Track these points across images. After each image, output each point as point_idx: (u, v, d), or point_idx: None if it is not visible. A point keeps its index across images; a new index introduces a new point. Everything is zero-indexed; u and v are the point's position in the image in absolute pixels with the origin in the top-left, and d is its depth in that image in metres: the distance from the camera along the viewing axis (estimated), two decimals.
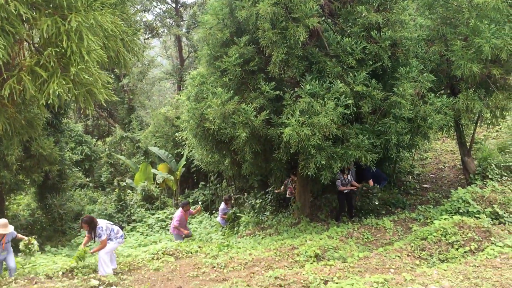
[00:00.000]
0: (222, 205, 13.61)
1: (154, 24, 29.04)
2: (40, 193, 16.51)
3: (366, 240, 9.47)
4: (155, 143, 21.88)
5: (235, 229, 12.81)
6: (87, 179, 23.88)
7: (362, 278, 6.42)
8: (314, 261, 7.81)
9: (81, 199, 19.90)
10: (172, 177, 19.64)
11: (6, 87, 3.24)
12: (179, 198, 19.98)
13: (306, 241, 9.00)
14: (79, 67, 3.23)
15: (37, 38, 3.62)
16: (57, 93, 3.19)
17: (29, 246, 7.62)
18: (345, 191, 10.94)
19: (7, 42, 3.01)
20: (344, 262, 7.58)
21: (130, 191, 21.62)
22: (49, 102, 3.28)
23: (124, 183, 21.64)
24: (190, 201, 18.90)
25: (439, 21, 10.79)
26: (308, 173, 9.02)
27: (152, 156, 23.75)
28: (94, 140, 26.35)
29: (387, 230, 9.81)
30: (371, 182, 11.44)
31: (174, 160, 20.06)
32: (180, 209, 12.08)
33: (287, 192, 12.71)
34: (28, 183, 15.93)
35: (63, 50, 3.22)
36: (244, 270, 7.74)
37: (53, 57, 3.24)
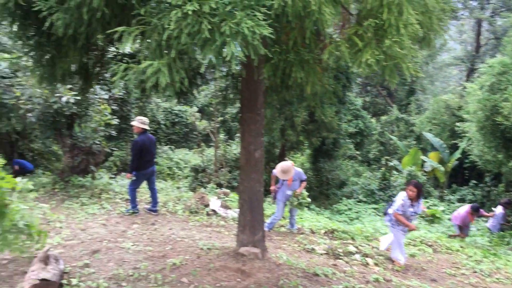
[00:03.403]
0: (500, 209, 12.13)
1: (454, 6, 27.29)
2: (315, 156, 18.04)
3: None
4: (430, 129, 21.06)
5: (507, 240, 11.43)
6: (357, 152, 24.84)
7: None
8: None
9: (347, 170, 20.92)
10: (442, 168, 18.67)
11: (326, 52, 3.61)
12: (445, 191, 18.92)
13: None
14: (393, 39, 3.34)
15: (356, 10, 3.87)
16: (368, 62, 3.38)
17: (302, 200, 8.43)
18: None
19: (335, 10, 3.34)
20: None
21: (396, 172, 21.60)
22: (359, 70, 3.51)
23: (391, 163, 21.78)
24: (456, 197, 17.68)
25: None
26: None
27: (424, 143, 23.02)
28: (369, 116, 26.93)
29: None
30: None
31: (447, 150, 18.97)
32: (468, 208, 11.24)
33: None
34: (306, 145, 17.59)
35: (381, 22, 3.38)
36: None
37: (371, 29, 3.43)
